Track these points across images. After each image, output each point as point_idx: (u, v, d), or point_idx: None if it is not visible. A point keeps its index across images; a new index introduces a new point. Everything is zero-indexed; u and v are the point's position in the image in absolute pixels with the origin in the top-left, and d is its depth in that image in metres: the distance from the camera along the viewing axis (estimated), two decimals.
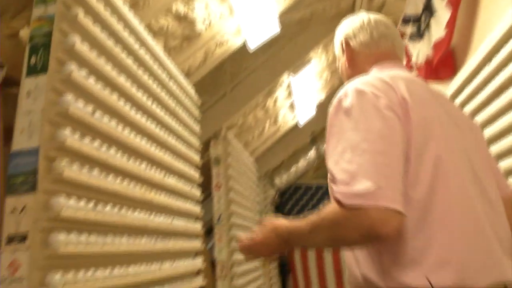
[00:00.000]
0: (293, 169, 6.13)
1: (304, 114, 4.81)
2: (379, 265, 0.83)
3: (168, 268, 1.91)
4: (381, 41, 1.10)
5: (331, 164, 0.85)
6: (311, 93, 4.40)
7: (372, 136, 0.82)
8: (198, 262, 2.38)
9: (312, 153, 6.05)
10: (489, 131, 2.25)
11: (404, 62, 1.20)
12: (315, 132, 6.17)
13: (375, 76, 0.96)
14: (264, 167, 5.77)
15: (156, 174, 1.90)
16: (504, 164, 1.96)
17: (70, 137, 1.33)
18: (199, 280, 2.36)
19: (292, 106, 4.59)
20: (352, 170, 0.78)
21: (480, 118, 2.35)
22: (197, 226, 2.41)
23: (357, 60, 1.12)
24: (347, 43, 1.14)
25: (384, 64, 1.06)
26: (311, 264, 6.44)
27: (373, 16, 1.14)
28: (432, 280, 0.77)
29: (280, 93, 4.17)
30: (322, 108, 5.53)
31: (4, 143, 1.99)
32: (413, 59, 3.70)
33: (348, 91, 0.91)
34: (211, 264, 3.67)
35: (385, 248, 0.82)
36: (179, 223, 2.13)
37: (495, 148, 2.13)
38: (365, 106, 0.86)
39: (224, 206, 3.44)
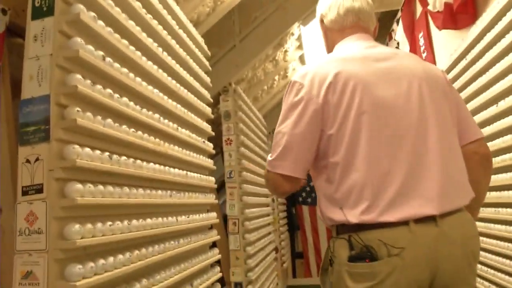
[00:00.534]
0: None
1: None
2: (322, 207, 1.15)
3: (183, 221, 1.89)
4: (347, 16, 1.27)
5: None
6: (321, 44, 4.24)
7: (286, 125, 1.15)
8: (212, 217, 2.36)
9: None
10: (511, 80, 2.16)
11: (373, 27, 1.33)
12: None
13: (323, 60, 1.21)
14: (273, 124, 5.70)
15: (169, 126, 1.84)
16: None
17: (82, 83, 1.25)
18: (213, 234, 2.34)
19: (302, 59, 4.45)
20: (273, 147, 1.18)
21: (503, 65, 2.26)
22: (211, 180, 2.37)
23: (330, 37, 1.33)
24: (321, 21, 1.34)
25: (345, 41, 1.27)
26: (319, 221, 6.50)
27: None
28: (349, 215, 1.06)
29: (290, 44, 4.03)
30: None
31: (12, 96, 1.92)
32: (429, 6, 3.54)
33: (292, 78, 1.21)
34: (223, 220, 3.68)
35: (323, 196, 1.14)
36: (193, 177, 2.09)
37: None
38: (289, 99, 1.17)
39: (235, 162, 3.40)
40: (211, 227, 2.44)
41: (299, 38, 4.00)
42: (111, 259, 1.31)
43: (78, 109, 1.24)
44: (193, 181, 2.06)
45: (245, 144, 3.51)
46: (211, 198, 2.36)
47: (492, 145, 2.46)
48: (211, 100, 2.54)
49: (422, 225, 1.04)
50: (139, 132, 1.55)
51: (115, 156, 1.38)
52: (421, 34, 3.88)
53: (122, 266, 1.35)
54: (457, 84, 2.94)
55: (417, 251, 1.03)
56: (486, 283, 2.72)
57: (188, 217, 1.95)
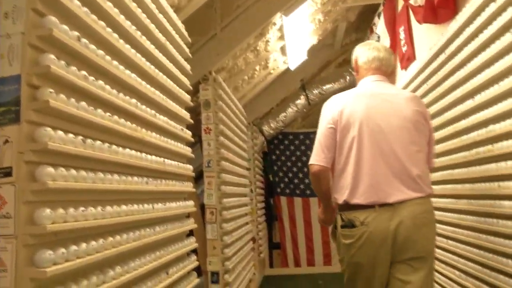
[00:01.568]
0: (281, 116, 6.05)
1: (295, 58, 4.67)
2: (333, 193, 1.88)
3: (160, 209, 1.86)
4: (373, 61, 1.99)
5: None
6: (303, 36, 4.24)
7: (317, 134, 1.87)
8: (189, 205, 2.34)
9: (301, 101, 5.96)
10: (490, 73, 2.19)
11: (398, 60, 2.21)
12: (305, 79, 6.06)
13: (344, 92, 1.97)
14: (253, 114, 5.69)
15: (147, 111, 1.80)
16: None
17: (55, 64, 1.21)
18: (190, 223, 2.33)
19: (283, 50, 4.44)
20: (314, 149, 1.89)
21: (481, 60, 2.30)
22: (188, 168, 2.35)
23: (360, 71, 2.04)
24: (356, 60, 2.06)
25: (368, 78, 1.99)
26: (297, 212, 6.55)
27: (373, 45, 2.07)
28: (341, 197, 1.80)
29: (272, 35, 4.01)
30: (314, 53, 5.39)
31: None
32: (411, 0, 3.57)
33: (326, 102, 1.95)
34: (201, 209, 3.66)
35: (332, 185, 1.86)
36: (171, 164, 2.06)
37: (497, 89, 2.09)
38: (323, 115, 1.88)
39: (214, 151, 3.37)
40: (188, 216, 2.42)
41: (280, 29, 3.98)
42: (83, 245, 1.27)
43: (51, 90, 1.20)
44: (170, 169, 2.04)
45: (224, 134, 3.49)
46: (188, 186, 2.33)
47: (467, 138, 2.51)
48: (191, 88, 2.50)
49: (384, 208, 1.76)
50: (115, 117, 1.51)
51: (89, 141, 1.34)
52: (402, 28, 3.91)
53: (95, 253, 1.32)
54: (435, 78, 2.98)
55: (378, 223, 1.74)
56: (457, 272, 2.79)
57: (164, 204, 1.93)
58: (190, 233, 3.98)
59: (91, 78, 1.38)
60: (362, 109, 1.82)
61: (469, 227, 2.55)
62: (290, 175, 6.55)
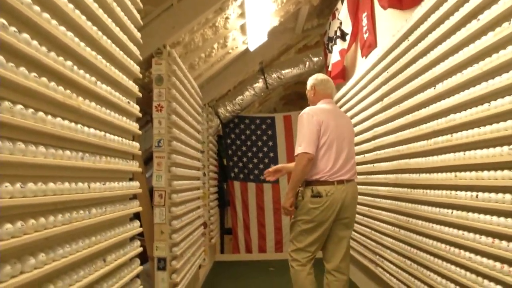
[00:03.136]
0: (238, 99, 5.88)
1: (255, 38, 4.50)
2: (311, 172, 2.66)
3: (97, 189, 1.66)
4: (327, 89, 2.92)
5: (298, 140, 2.67)
6: (264, 15, 4.07)
7: (306, 131, 2.63)
8: (134, 186, 2.14)
9: (259, 84, 5.81)
10: (453, 61, 2.14)
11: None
12: (265, 62, 5.90)
13: (317, 107, 2.80)
14: (209, 95, 5.48)
15: (85, 78, 1.58)
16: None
17: None
18: (134, 205, 2.13)
19: (243, 29, 4.25)
20: (299, 142, 2.63)
21: (445, 47, 2.24)
22: (134, 146, 2.14)
23: (317, 96, 2.89)
24: (313, 87, 2.92)
25: (324, 101, 2.85)
26: (251, 197, 6.44)
27: (326, 77, 2.98)
28: (317, 176, 2.65)
29: (232, 11, 3.80)
30: (275, 35, 5.23)
31: None
32: None
33: (305, 111, 2.72)
34: (150, 192, 3.45)
35: (311, 169, 2.64)
36: (113, 140, 1.85)
37: (460, 78, 2.04)
38: (306, 119, 2.66)
39: (165, 130, 3.16)
40: (133, 197, 2.22)
41: (241, 6, 3.78)
42: None
43: None
44: (112, 145, 1.83)
45: (176, 112, 3.28)
46: (133, 166, 2.13)
47: (427, 127, 2.46)
48: (140, 59, 2.28)
49: (339, 184, 2.64)
50: (44, 79, 1.29)
51: (6, 103, 1.12)
52: (364, 14, 3.84)
53: (11, 238, 1.11)
54: (397, 65, 2.92)
55: (337, 194, 2.61)
56: (408, 262, 2.78)
57: (104, 184, 1.72)
58: (135, 216, 3.78)
59: (13, 28, 1.15)
60: (332, 121, 2.73)
61: (424, 217, 2.52)
62: (245, 160, 6.42)
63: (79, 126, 1.52)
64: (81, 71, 1.55)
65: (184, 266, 3.36)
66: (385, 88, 3.20)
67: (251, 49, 4.74)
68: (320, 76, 2.97)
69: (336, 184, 2.62)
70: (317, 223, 2.62)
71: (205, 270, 5.27)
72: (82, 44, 1.57)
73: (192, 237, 3.81)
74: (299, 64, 5.83)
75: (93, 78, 1.66)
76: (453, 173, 2.16)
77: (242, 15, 3.94)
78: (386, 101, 3.16)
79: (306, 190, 2.66)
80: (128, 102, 2.06)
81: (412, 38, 2.67)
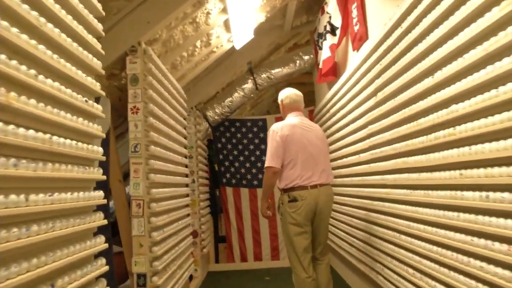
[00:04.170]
0: (227, 101, 5.63)
1: (241, 36, 4.25)
2: (279, 183, 3.09)
3: (40, 201, 1.40)
4: (293, 103, 3.25)
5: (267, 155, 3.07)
6: (248, 10, 3.83)
7: (271, 147, 3.04)
8: (97, 196, 1.88)
9: (248, 85, 5.57)
10: (452, 45, 1.89)
11: None
12: (254, 62, 5.66)
13: (283, 123, 3.14)
14: (196, 98, 5.23)
15: (19, 69, 1.33)
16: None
17: None
18: (97, 219, 1.87)
19: (227, 25, 4.00)
20: (268, 156, 3.04)
21: (442, 30, 2.00)
22: (95, 151, 1.88)
23: (285, 109, 3.28)
24: (282, 101, 3.30)
25: (292, 114, 3.22)
26: (244, 204, 6.18)
27: (293, 91, 3.28)
28: (290, 183, 3.02)
29: (213, 5, 3.56)
30: (263, 33, 5.00)
31: None
32: None
33: (271, 128, 3.12)
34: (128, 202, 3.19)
35: (280, 179, 3.06)
36: (65, 144, 1.59)
37: (461, 63, 1.79)
38: (271, 136, 3.06)
39: (142, 134, 2.91)
40: (97, 209, 1.96)
41: (222, 0, 3.55)
42: None
43: None
44: (63, 150, 1.57)
45: (154, 114, 3.03)
46: (95, 173, 1.87)
47: (426, 121, 2.22)
48: (102, 52, 2.03)
49: (313, 188, 2.99)
50: None
51: None
52: (354, 5, 3.60)
53: None
54: (390, 56, 2.68)
55: (310, 198, 2.96)
56: (411, 270, 2.52)
57: (50, 195, 1.46)
58: (116, 230, 3.51)
59: None
60: (297, 135, 3.05)
61: (425, 221, 2.27)
62: (237, 164, 6.16)
63: (10, 127, 1.26)
64: (14, 61, 1.30)
65: (167, 282, 3.10)
66: (378, 82, 2.95)
67: (237, 47, 4.50)
68: (286, 90, 3.29)
69: (309, 189, 2.98)
70: (298, 224, 2.97)
71: (197, 282, 4.99)
72: (15, 30, 1.32)
73: (178, 249, 3.54)
74: (289, 63, 5.60)
75: (32, 71, 1.40)
76: (457, 171, 1.91)
77: (224, 10, 3.70)
78: (380, 95, 2.92)
79: (284, 197, 3.06)
80: (86, 101, 1.81)
81: (405, 24, 2.43)
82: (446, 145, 2.02)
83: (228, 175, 6.21)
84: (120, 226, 3.10)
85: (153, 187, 2.96)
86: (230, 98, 5.64)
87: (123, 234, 3.07)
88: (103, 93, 2.00)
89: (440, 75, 2.05)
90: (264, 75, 5.56)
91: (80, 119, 1.75)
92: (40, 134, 1.42)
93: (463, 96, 1.87)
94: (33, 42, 1.42)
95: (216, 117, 5.74)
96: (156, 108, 3.05)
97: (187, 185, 4.33)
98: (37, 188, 1.41)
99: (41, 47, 1.47)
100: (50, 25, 1.54)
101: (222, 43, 4.32)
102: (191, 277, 4.96)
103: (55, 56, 1.57)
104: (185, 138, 4.33)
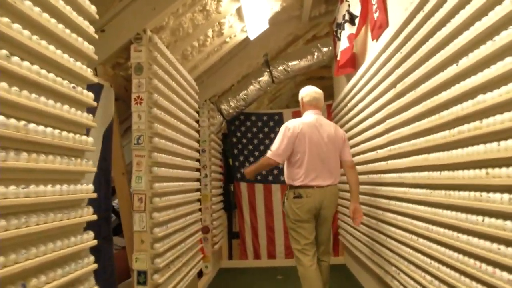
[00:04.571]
0: (242, 94, 5.46)
1: (255, 25, 4.08)
2: (286, 178, 3.22)
3: (10, 193, 1.27)
4: (313, 100, 3.28)
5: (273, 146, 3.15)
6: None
7: (278, 141, 3.11)
8: (86, 190, 1.75)
9: (264, 77, 5.39)
10: (480, 26, 1.67)
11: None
12: (271, 54, 5.48)
13: (298, 120, 3.19)
14: (210, 91, 5.09)
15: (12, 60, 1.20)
16: None
17: None
18: (85, 214, 1.74)
19: (239, 13, 3.83)
20: (273, 148, 3.13)
21: (469, 11, 1.78)
22: (84, 141, 1.75)
23: (304, 107, 3.31)
24: (302, 99, 3.32)
25: (310, 111, 3.26)
26: (258, 200, 6.03)
27: (313, 89, 3.31)
28: (296, 182, 3.11)
29: None
30: (279, 23, 4.80)
31: None
32: None
33: (286, 123, 3.19)
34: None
35: (286, 174, 3.21)
36: (45, 132, 1.46)
37: (490, 47, 1.58)
38: (284, 131, 3.11)
39: (146, 125, 2.78)
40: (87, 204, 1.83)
41: None
42: None
43: None
44: (42, 139, 1.44)
45: (159, 105, 2.89)
46: (83, 165, 1.74)
47: (448, 114, 2.00)
48: (95, 36, 1.89)
49: (319, 188, 3.08)
50: None
51: None
52: None
53: None
54: (411, 43, 2.46)
55: (315, 196, 3.06)
56: (428, 277, 2.32)
57: (24, 188, 1.33)
58: (119, 227, 3.39)
59: None
60: (308, 134, 3.09)
61: (446, 224, 2.06)
62: (252, 159, 5.99)
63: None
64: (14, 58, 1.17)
65: (170, 281, 2.97)
66: (398, 72, 2.74)
67: (252, 37, 4.32)
68: (307, 88, 3.34)
69: (315, 188, 3.07)
70: (300, 220, 3.08)
71: (207, 279, 4.87)
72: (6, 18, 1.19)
73: (185, 245, 3.41)
74: (307, 55, 5.38)
75: (4, 51, 1.27)
76: (483, 170, 1.70)
77: None
78: (400, 87, 2.70)
79: (289, 192, 3.17)
80: (74, 87, 1.67)
81: (427, 7, 2.21)
82: (471, 140, 1.81)
83: (242, 170, 6.05)
84: (123, 221, 2.99)
85: (156, 181, 2.83)
86: (246, 91, 5.47)
87: (125, 229, 2.96)
88: (95, 80, 1.86)
89: (466, 62, 1.83)
90: (280, 68, 5.37)
91: (66, 106, 1.62)
92: (13, 121, 1.29)
93: (492, 84, 1.65)
94: (6, 19, 1.29)
95: (230, 111, 5.59)
96: (161, 99, 2.92)
97: (198, 180, 4.20)
98: (8, 180, 1.28)
99: (17, 26, 1.34)
100: (28, 2, 1.40)
101: (236, 33, 4.15)
102: (201, 274, 4.84)
103: (35, 37, 1.44)
104: (197, 131, 4.20)
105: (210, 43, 3.94)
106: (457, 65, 1.91)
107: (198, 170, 4.22)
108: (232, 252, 6.33)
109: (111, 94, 2.86)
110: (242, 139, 6.06)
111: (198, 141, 4.20)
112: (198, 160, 4.19)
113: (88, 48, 1.81)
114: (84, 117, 1.76)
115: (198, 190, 4.19)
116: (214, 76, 5.01)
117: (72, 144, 1.64)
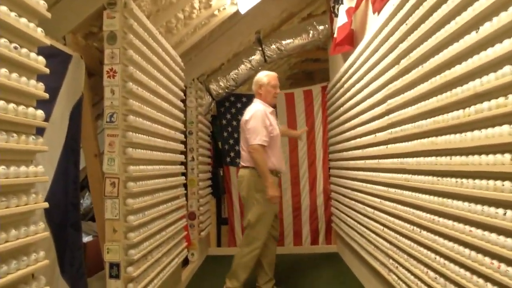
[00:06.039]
0: (232, 74, 5.15)
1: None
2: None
3: None
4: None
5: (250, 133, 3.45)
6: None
7: (262, 127, 3.40)
8: (32, 172, 1.47)
9: (256, 56, 5.07)
10: None
11: None
12: (264, 31, 5.16)
13: (267, 109, 3.56)
14: (198, 69, 4.78)
15: None
16: None
17: None
18: (31, 200, 1.46)
19: None
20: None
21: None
22: (31, 114, 1.46)
23: (263, 93, 3.66)
24: (267, 83, 3.65)
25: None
26: None
27: (272, 74, 3.74)
28: (270, 166, 3.43)
29: None
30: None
31: None
32: None
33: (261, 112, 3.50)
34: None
35: (267, 157, 3.43)
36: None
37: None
38: (263, 118, 3.43)
39: (119, 101, 2.48)
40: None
41: None
42: None
43: None
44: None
45: (135, 79, 2.59)
46: (29, 143, 1.44)
47: (463, 91, 1.73)
48: None
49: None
50: None
51: None
52: None
53: None
54: (419, 12, 2.17)
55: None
56: (432, 274, 2.08)
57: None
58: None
59: None
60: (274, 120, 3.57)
61: (457, 216, 1.80)
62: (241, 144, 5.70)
63: None
64: None
65: (147, 272, 2.71)
66: (402, 47, 2.45)
67: (242, 11, 3.99)
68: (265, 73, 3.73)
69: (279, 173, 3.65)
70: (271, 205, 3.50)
71: (193, 267, 4.63)
72: None
73: (166, 234, 3.15)
74: (302, 34, 5.05)
75: None
76: (507, 155, 1.44)
77: None
78: (404, 63, 2.42)
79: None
80: (15, 48, 1.37)
81: None
82: (491, 121, 1.54)
83: (232, 154, 5.77)
84: (95, 208, 2.71)
85: (131, 164, 2.54)
86: (236, 71, 5.15)
87: (97, 217, 2.68)
88: (48, 42, 1.56)
89: (488, 28, 1.55)
90: (273, 46, 5.05)
91: (4, 70, 1.32)
92: None
93: None
94: None
95: (220, 91, 5.27)
96: (138, 72, 2.61)
97: (182, 163, 3.92)
98: None
99: None
100: None
101: (225, 5, 3.82)
102: (187, 262, 4.60)
103: None
104: (184, 112, 3.90)
105: (197, 16, 3.62)
106: (476, 32, 1.63)
107: (183, 153, 3.93)
108: (221, 239, 6.09)
109: (81, 66, 2.56)
110: (232, 121, 5.77)
111: (184, 122, 3.91)
112: (183, 142, 3.90)
113: (39, 4, 1.50)
114: (32, 86, 1.46)
115: (184, 174, 3.91)
116: (202, 54, 4.69)
117: (14, 118, 1.34)
